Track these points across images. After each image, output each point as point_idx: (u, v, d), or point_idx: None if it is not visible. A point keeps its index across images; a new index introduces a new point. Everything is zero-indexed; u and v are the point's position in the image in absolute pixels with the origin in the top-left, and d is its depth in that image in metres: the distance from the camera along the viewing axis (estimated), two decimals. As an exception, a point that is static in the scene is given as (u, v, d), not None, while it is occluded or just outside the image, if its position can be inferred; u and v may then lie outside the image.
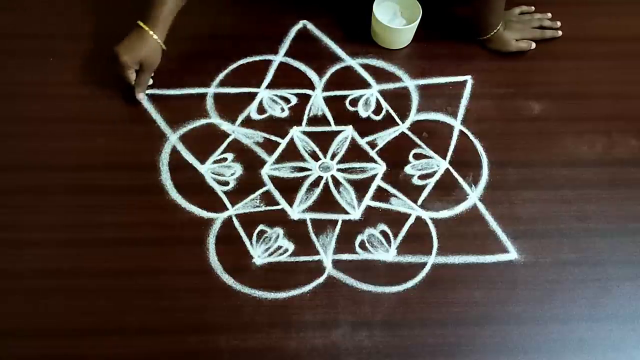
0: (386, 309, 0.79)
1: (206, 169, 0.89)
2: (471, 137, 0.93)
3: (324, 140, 0.92)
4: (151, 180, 0.87)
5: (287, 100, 0.95)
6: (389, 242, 0.84)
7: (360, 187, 0.88)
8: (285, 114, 0.94)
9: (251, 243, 0.83)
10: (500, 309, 0.79)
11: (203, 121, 0.93)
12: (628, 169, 0.91)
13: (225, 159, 0.90)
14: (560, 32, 1.02)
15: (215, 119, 0.93)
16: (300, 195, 0.87)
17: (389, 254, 0.83)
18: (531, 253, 0.83)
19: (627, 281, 0.82)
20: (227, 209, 0.85)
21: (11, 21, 1.03)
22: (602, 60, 1.01)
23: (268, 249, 0.83)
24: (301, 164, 0.90)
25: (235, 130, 0.92)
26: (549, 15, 1.03)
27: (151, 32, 0.88)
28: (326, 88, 0.97)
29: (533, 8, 1.04)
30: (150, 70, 0.91)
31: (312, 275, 0.81)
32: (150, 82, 0.94)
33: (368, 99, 0.96)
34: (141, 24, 0.88)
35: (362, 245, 0.83)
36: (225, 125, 0.93)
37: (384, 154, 0.91)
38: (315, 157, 0.90)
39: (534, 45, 0.99)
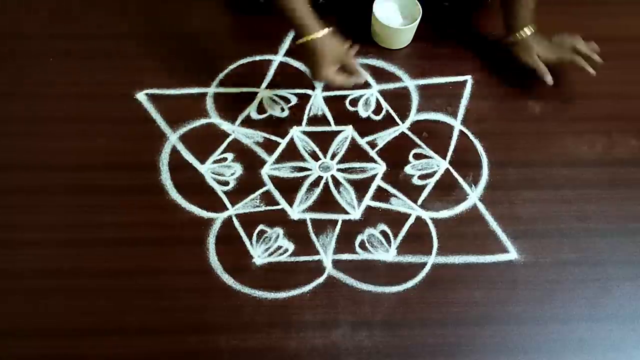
0: (386, 309, 0.79)
1: (206, 169, 0.89)
2: (471, 137, 0.93)
3: (324, 140, 0.92)
4: (151, 180, 0.87)
5: (287, 100, 0.95)
6: (389, 242, 0.84)
7: (360, 187, 0.88)
8: (285, 113, 0.94)
9: (251, 243, 0.83)
10: (500, 309, 0.79)
11: (203, 121, 0.93)
12: (628, 169, 0.91)
13: (225, 159, 0.90)
14: (593, 72, 0.90)
15: (215, 119, 0.93)
16: (300, 195, 0.87)
17: (389, 254, 0.83)
18: (531, 253, 0.83)
19: (627, 281, 0.82)
20: (227, 209, 0.85)
21: (11, 21, 1.03)
22: (603, 59, 1.01)
23: (268, 249, 0.83)
24: (301, 164, 0.90)
25: (235, 130, 0.92)
26: (595, 45, 0.92)
27: (316, 36, 0.81)
28: (326, 88, 0.96)
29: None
30: (348, 55, 0.85)
31: (312, 275, 0.81)
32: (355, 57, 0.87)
33: (368, 99, 0.96)
34: (304, 39, 0.81)
35: (362, 245, 0.83)
36: (225, 125, 0.93)
37: (384, 154, 0.91)
38: (315, 157, 0.90)
39: (549, 80, 0.91)
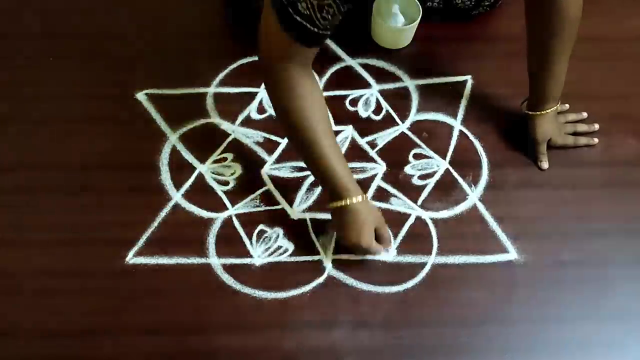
0: (386, 309, 0.78)
1: (206, 169, 0.89)
2: (471, 137, 0.93)
3: (324, 140, 0.92)
4: (151, 180, 0.87)
5: (287, 100, 0.95)
6: (389, 242, 0.83)
7: (360, 187, 0.87)
8: (285, 114, 0.94)
9: (251, 243, 0.83)
10: (500, 309, 0.79)
11: (203, 121, 0.93)
12: (628, 169, 0.91)
13: (225, 159, 0.90)
14: (596, 140, 0.91)
15: (215, 118, 0.93)
16: (300, 195, 0.87)
17: (389, 254, 0.83)
18: (531, 253, 0.83)
19: (627, 281, 0.82)
20: (227, 209, 0.85)
21: (11, 21, 1.03)
22: (603, 60, 1.01)
23: (268, 248, 0.83)
24: (301, 164, 0.89)
25: (235, 130, 0.92)
26: (584, 115, 0.93)
27: (357, 200, 0.75)
28: (326, 88, 0.96)
29: (567, 106, 0.94)
30: (383, 223, 0.79)
31: (312, 275, 0.81)
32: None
33: (368, 99, 0.96)
34: (343, 203, 0.75)
35: (362, 245, 0.83)
36: (225, 125, 0.93)
37: (384, 154, 0.91)
38: (315, 157, 0.90)
39: (545, 165, 0.89)
